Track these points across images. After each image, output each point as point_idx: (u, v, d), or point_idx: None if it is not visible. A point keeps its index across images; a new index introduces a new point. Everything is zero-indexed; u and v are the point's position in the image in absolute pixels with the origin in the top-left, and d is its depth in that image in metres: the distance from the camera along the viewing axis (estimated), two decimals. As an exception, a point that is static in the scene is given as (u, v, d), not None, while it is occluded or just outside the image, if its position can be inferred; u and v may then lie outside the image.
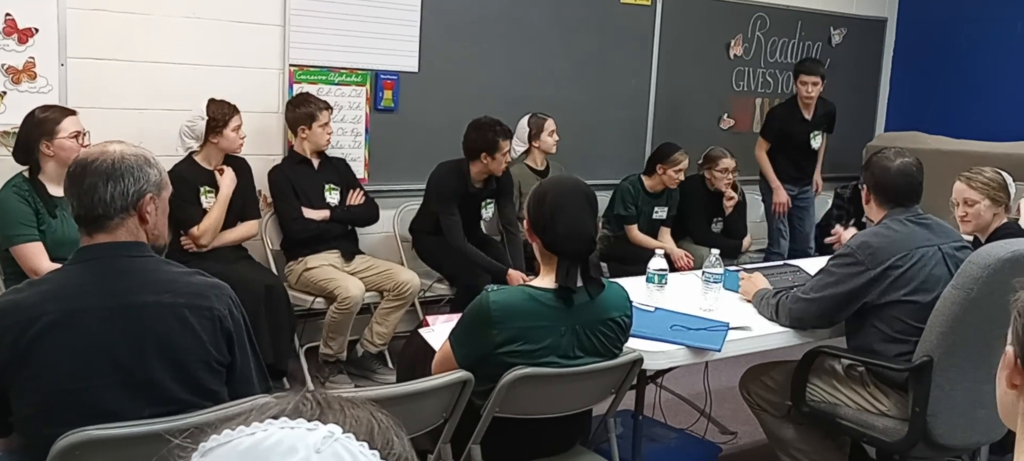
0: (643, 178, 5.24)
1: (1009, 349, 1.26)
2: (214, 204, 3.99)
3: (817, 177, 5.93)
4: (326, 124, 4.30)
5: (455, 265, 4.49)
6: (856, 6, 6.77)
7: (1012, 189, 3.72)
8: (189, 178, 3.96)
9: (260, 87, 4.46)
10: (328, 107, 4.32)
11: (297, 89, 4.51)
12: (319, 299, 4.23)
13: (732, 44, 6.15)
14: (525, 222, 2.50)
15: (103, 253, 1.99)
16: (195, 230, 3.94)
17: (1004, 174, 3.72)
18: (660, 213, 5.30)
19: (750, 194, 6.28)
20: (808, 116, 5.67)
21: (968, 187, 3.61)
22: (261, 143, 4.42)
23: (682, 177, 5.20)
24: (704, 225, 5.44)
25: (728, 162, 5.33)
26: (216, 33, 4.31)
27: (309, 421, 0.80)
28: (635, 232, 5.21)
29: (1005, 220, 3.62)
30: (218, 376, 2.10)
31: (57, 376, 1.89)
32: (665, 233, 5.34)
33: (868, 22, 6.87)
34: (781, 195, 5.70)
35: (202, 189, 4.01)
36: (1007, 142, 5.86)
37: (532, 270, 4.23)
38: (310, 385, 4.22)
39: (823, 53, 6.60)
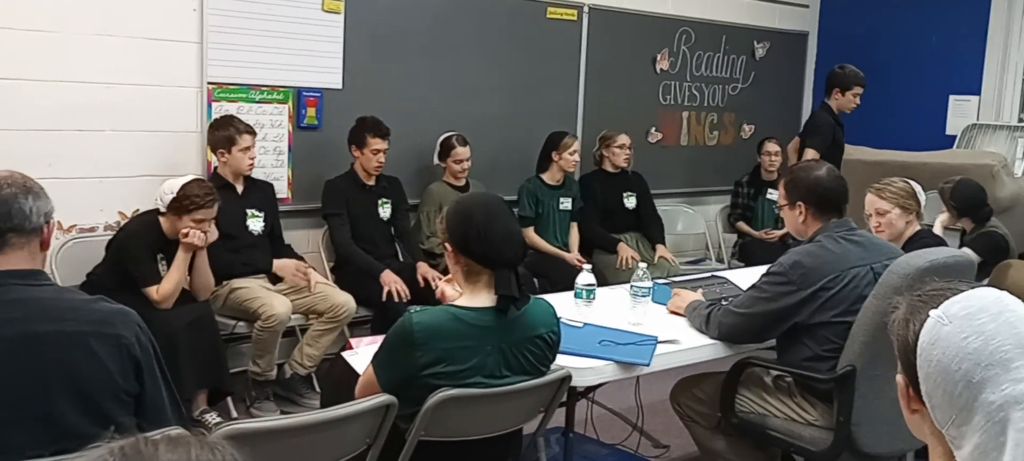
0: (540, 175, 5.27)
1: (899, 377, 1.26)
2: (173, 267, 3.80)
3: None
4: (247, 148, 4.19)
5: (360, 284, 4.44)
6: (778, 20, 6.90)
7: (922, 197, 3.84)
8: (146, 238, 3.82)
9: (177, 106, 4.33)
10: (250, 131, 4.22)
11: (216, 108, 4.39)
12: (242, 323, 4.14)
13: (658, 58, 6.20)
14: (447, 246, 2.43)
15: None
16: (155, 293, 3.77)
17: (912, 183, 3.84)
18: (566, 204, 5.32)
19: (675, 205, 6.34)
20: (841, 122, 5.60)
21: (878, 198, 3.74)
22: (178, 164, 4.28)
23: (577, 158, 5.29)
24: (617, 205, 5.53)
25: (624, 138, 5.50)
26: (130, 51, 4.17)
27: None
28: (532, 235, 5.21)
29: (918, 227, 3.74)
30: (126, 407, 2.01)
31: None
32: (574, 229, 5.39)
33: (790, 36, 7.00)
34: None
35: (158, 256, 3.85)
36: (925, 151, 6.02)
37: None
38: (234, 412, 4.10)
39: (747, 66, 6.70)
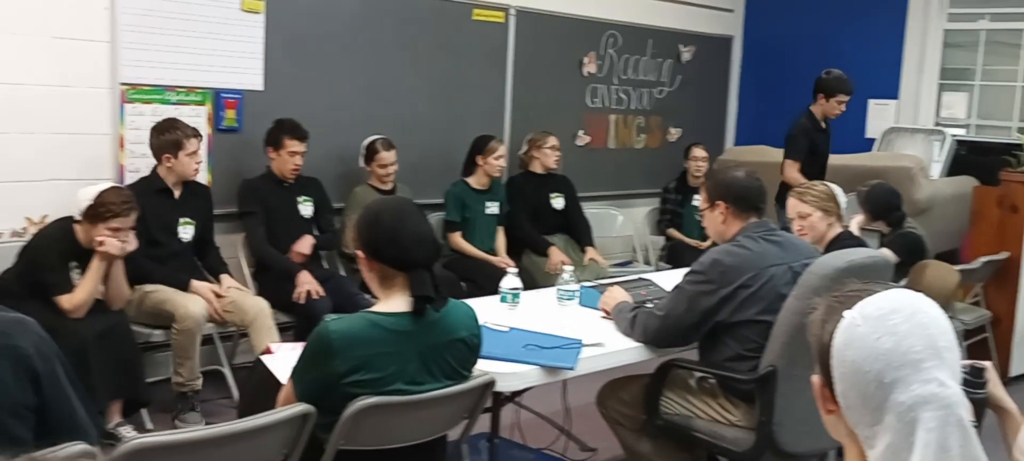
0: (466, 180, 5.25)
1: (815, 378, 1.26)
2: (86, 276, 3.66)
3: None
4: (194, 152, 4.09)
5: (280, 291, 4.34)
6: (704, 24, 6.98)
7: (842, 199, 3.92)
8: (59, 245, 3.67)
9: (88, 108, 4.18)
10: (197, 134, 4.12)
11: (129, 110, 4.24)
12: (158, 332, 4.02)
13: (585, 61, 6.22)
14: (358, 253, 2.37)
15: None
16: (67, 303, 3.62)
17: (833, 186, 3.92)
18: (492, 208, 5.30)
19: (603, 208, 6.36)
20: (824, 128, 5.48)
21: (800, 202, 3.82)
22: (90, 169, 4.13)
23: (503, 163, 5.27)
24: (544, 206, 5.51)
25: (554, 140, 5.50)
26: (37, 50, 4.01)
27: None
28: (458, 240, 5.19)
29: (839, 230, 3.81)
30: (24, 421, 1.91)
31: None
32: (500, 233, 5.38)
33: (715, 40, 7.09)
34: None
35: (71, 263, 3.70)
36: (844, 155, 6.13)
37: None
38: (149, 424, 3.96)
39: (673, 70, 6.76)
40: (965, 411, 1.19)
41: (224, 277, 4.26)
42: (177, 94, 4.41)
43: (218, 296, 4.12)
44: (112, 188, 3.68)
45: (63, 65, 4.09)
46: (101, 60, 4.18)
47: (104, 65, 4.19)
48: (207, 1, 4.42)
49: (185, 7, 4.36)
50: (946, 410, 1.16)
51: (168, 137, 4.06)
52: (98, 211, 3.59)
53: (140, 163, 4.32)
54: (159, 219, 4.08)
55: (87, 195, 3.62)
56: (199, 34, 4.42)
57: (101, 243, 3.61)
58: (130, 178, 4.28)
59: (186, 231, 4.20)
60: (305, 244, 4.48)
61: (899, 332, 1.18)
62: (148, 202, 4.02)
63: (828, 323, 1.24)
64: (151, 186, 4.10)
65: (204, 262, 4.33)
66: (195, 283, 4.12)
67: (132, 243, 3.73)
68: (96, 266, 3.64)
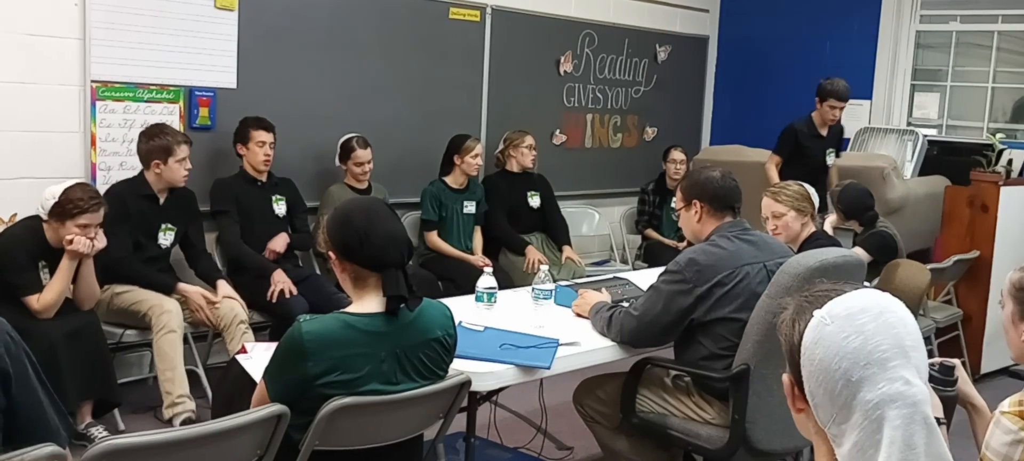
0: (444, 179, 5.24)
1: (785, 377, 1.28)
2: (56, 275, 3.60)
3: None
4: (184, 159, 4.05)
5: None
6: (680, 24, 7.00)
7: (816, 199, 3.95)
8: (28, 244, 3.61)
9: (58, 106, 4.13)
10: (187, 141, 4.07)
11: (101, 107, 4.20)
12: (130, 332, 3.98)
13: (562, 60, 6.22)
14: (330, 254, 2.36)
15: None
16: (36, 303, 3.57)
17: (807, 186, 3.95)
18: (469, 207, 5.30)
19: (579, 207, 6.37)
20: (823, 133, 5.56)
21: (774, 201, 3.85)
22: (60, 167, 4.08)
23: (480, 162, 5.26)
24: (521, 205, 5.52)
25: (531, 139, 5.51)
26: (6, 47, 3.96)
27: None
28: (435, 239, 5.18)
29: (813, 229, 3.84)
30: (-9, 422, 1.88)
31: None
32: (478, 232, 5.38)
33: (691, 40, 7.12)
34: None
35: (40, 263, 3.65)
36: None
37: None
38: (121, 425, 3.91)
39: (649, 70, 6.78)
40: (930, 409, 1.21)
41: (221, 283, 4.20)
42: (149, 92, 4.36)
43: (210, 302, 4.08)
44: (78, 184, 3.62)
45: (33, 62, 4.03)
46: (72, 57, 4.13)
47: (75, 62, 4.14)
48: (180, -3, 4.38)
49: (157, 3, 4.32)
50: (912, 408, 1.18)
51: (157, 143, 4.00)
52: (65, 208, 3.53)
53: (111, 161, 4.28)
54: (141, 224, 4.04)
55: (53, 193, 3.57)
56: (171, 31, 4.38)
57: (70, 242, 3.56)
58: (101, 177, 4.24)
59: (166, 237, 4.16)
60: (280, 242, 4.45)
61: (866, 331, 1.20)
62: (132, 205, 3.98)
63: (798, 322, 1.26)
64: (136, 190, 4.04)
65: (196, 269, 4.29)
66: (182, 286, 4.08)
67: (101, 240, 3.67)
68: (65, 266, 3.59)
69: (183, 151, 4.04)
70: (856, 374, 1.18)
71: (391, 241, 2.30)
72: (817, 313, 1.23)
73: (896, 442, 1.15)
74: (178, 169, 4.04)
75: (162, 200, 4.12)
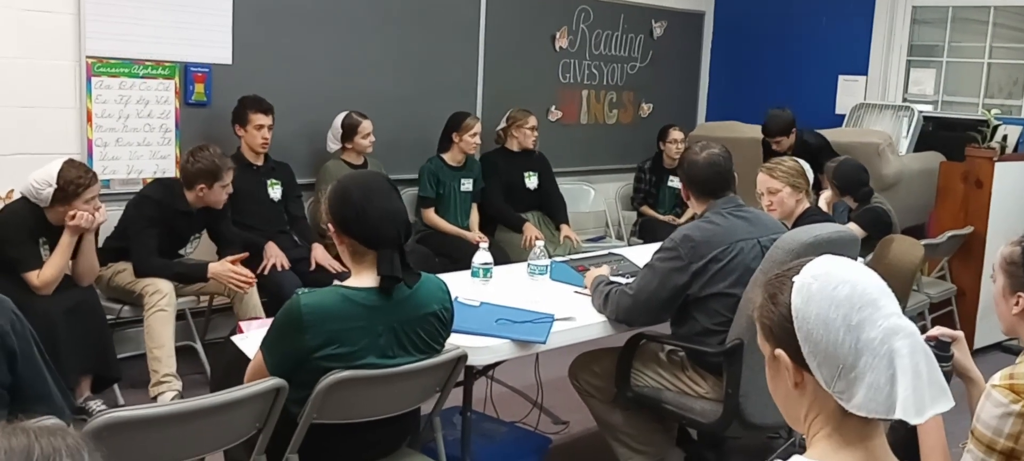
0: (442, 156, 5.23)
1: (780, 351, 1.28)
2: (56, 251, 3.61)
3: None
4: (227, 185, 4.01)
5: None
6: (675, 0, 6.98)
7: (810, 175, 3.96)
8: (28, 221, 3.61)
9: (53, 82, 4.12)
10: (231, 167, 4.02)
11: (96, 83, 4.19)
12: (127, 308, 4.00)
13: (557, 36, 6.20)
14: (330, 227, 2.37)
15: None
16: (36, 279, 3.57)
17: (802, 162, 3.97)
18: (467, 185, 5.31)
19: (575, 183, 6.38)
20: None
21: (770, 177, 3.86)
22: (56, 142, 4.08)
23: (477, 141, 5.26)
24: (518, 184, 5.51)
25: (533, 120, 5.50)
26: (1, 23, 3.93)
27: None
28: (432, 216, 5.20)
29: (807, 205, 3.86)
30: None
31: None
32: (475, 210, 5.38)
33: (687, 15, 7.10)
34: None
35: (40, 240, 3.65)
36: (819, 130, 6.18)
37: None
38: (121, 399, 3.93)
39: (645, 45, 6.76)
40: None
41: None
42: (144, 68, 4.35)
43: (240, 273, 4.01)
44: (66, 163, 3.62)
45: (28, 37, 4.02)
46: (66, 32, 4.12)
47: (70, 38, 4.13)
48: (175, -27, 4.36)
49: (152, -21, 4.30)
50: (912, 337, 1.22)
51: (203, 167, 3.93)
52: (67, 191, 3.55)
53: (107, 137, 4.28)
54: (168, 237, 4.05)
55: (46, 179, 3.56)
56: (166, 6, 4.36)
57: (73, 217, 3.57)
58: (98, 153, 4.25)
59: (191, 246, 4.25)
60: (278, 256, 4.36)
61: (850, 279, 1.24)
62: (163, 216, 3.98)
63: (779, 297, 1.28)
64: (172, 203, 4.00)
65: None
66: (213, 266, 3.99)
67: (102, 214, 3.69)
68: (66, 241, 3.61)
69: (229, 177, 4.00)
70: (855, 317, 1.21)
71: (387, 219, 2.30)
72: (796, 279, 1.27)
73: (908, 370, 1.19)
74: (221, 194, 4.01)
75: (194, 212, 4.10)
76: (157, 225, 3.97)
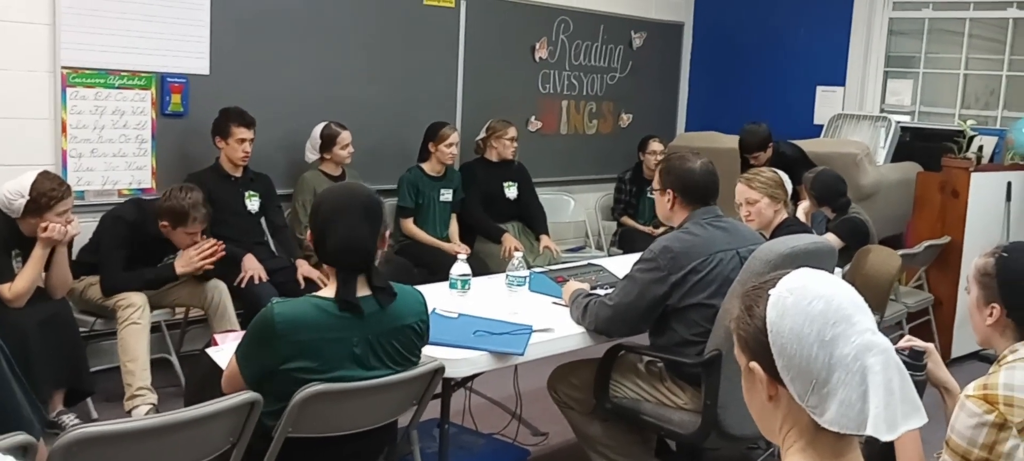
0: (421, 165, 5.22)
1: (755, 364, 1.27)
2: (28, 263, 3.57)
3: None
4: (194, 234, 3.96)
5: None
6: (655, 10, 7.01)
7: (789, 186, 3.98)
8: (3, 234, 3.57)
9: (27, 92, 4.07)
10: (204, 222, 3.96)
11: (71, 93, 4.15)
12: (100, 320, 3.96)
13: (537, 46, 6.21)
14: (308, 232, 2.37)
15: None
16: (8, 292, 3.53)
17: (780, 173, 3.98)
18: (446, 195, 5.29)
19: (555, 193, 6.38)
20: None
21: (748, 188, 3.87)
22: (31, 153, 4.03)
23: (456, 150, 5.25)
24: (498, 194, 5.50)
25: (513, 131, 5.50)
26: (-27, 31, 3.90)
27: None
28: (410, 226, 5.18)
29: (785, 216, 3.87)
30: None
31: None
32: (454, 220, 5.37)
33: (666, 26, 7.12)
34: None
35: (13, 252, 3.61)
36: (796, 140, 6.21)
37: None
38: (94, 413, 3.89)
39: (625, 56, 6.78)
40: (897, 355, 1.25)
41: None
42: (120, 78, 4.31)
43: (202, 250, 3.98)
44: (41, 175, 3.58)
45: (1, 48, 3.98)
46: (41, 42, 4.08)
47: (44, 48, 4.09)
48: (152, -17, 4.33)
49: (128, -11, 4.27)
50: (885, 354, 1.21)
51: (173, 206, 3.88)
52: (40, 203, 3.52)
53: (82, 148, 4.24)
54: (143, 255, 4.02)
55: (18, 191, 3.53)
56: (143, 16, 4.33)
57: (45, 229, 3.53)
58: (72, 164, 4.21)
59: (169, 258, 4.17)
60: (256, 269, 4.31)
61: (825, 294, 1.23)
62: (137, 236, 3.96)
63: (755, 309, 1.27)
64: (146, 224, 3.97)
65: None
66: (178, 264, 3.99)
67: (75, 227, 3.65)
68: (38, 253, 3.56)
69: (196, 228, 3.93)
70: (828, 333, 1.20)
71: (346, 248, 2.29)
72: (772, 292, 1.26)
73: (880, 387, 1.19)
74: (184, 239, 3.95)
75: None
76: (128, 246, 3.94)
